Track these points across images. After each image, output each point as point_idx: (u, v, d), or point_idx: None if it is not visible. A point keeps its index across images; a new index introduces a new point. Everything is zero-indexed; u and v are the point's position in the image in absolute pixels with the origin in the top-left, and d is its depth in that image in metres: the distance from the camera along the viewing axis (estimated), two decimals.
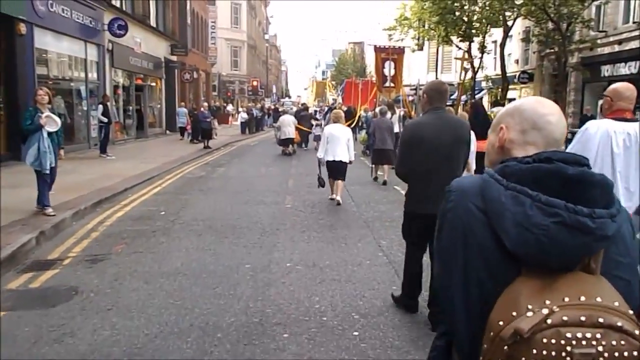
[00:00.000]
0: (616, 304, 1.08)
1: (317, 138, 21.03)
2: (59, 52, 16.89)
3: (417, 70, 45.21)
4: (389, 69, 22.36)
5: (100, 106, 16.07)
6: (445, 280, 1.28)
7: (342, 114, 10.70)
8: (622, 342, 1.04)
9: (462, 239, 1.23)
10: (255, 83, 52.56)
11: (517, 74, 30.53)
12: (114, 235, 7.09)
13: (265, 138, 29.20)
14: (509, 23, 25.32)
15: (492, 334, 1.10)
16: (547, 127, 1.32)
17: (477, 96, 32.49)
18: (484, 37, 27.95)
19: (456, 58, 31.42)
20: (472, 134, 4.74)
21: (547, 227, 1.10)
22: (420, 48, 43.71)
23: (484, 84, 32.06)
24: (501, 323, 1.09)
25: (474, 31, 27.35)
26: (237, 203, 9.29)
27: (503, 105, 26.32)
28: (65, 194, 8.93)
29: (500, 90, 26.57)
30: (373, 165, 12.52)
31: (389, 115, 13.56)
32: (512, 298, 1.11)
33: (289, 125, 18.64)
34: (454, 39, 28.96)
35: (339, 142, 9.29)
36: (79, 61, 18.02)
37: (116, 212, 8.58)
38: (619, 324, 1.05)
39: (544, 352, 1.03)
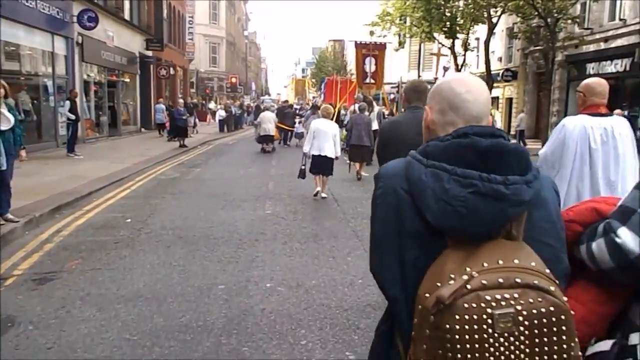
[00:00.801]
0: (533, 264, 1.14)
1: (299, 135, 20.67)
2: (23, 45, 15.83)
3: (398, 68, 44.90)
4: (369, 65, 22.15)
5: (68, 102, 15.05)
6: (380, 264, 1.31)
7: (332, 110, 10.91)
8: (539, 299, 1.09)
9: (395, 222, 1.27)
10: (234, 80, 51.53)
11: (501, 71, 30.18)
12: (70, 247, 6.24)
13: (244, 136, 28.35)
14: (494, 20, 24.79)
15: (420, 307, 1.15)
16: (464, 105, 1.33)
17: None
18: (467, 34, 27.49)
19: (432, 54, 30.85)
20: None
21: (464, 198, 1.15)
22: (402, 46, 43.41)
23: None
24: (427, 295, 1.13)
25: (457, 28, 26.84)
26: (212, 209, 8.48)
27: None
28: (21, 199, 8.00)
29: None
30: (350, 162, 12.47)
31: (367, 112, 13.54)
32: (436, 270, 1.16)
33: (269, 122, 18.46)
34: (437, 35, 28.44)
35: (325, 137, 9.41)
36: (45, 55, 16.95)
37: (77, 219, 7.71)
38: (535, 282, 1.10)
39: (466, 317, 1.07)
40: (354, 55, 25.88)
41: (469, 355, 1.08)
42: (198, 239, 6.64)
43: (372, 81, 22.42)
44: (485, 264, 1.12)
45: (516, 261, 1.13)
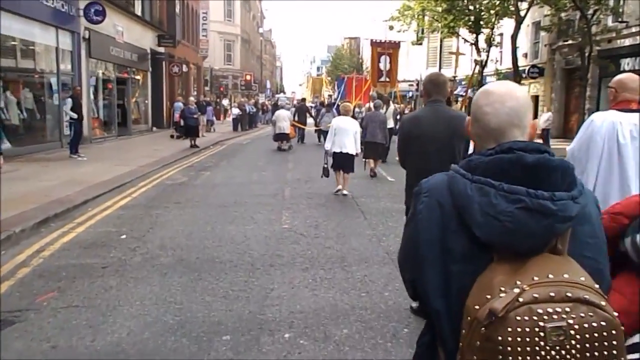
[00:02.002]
0: (582, 279, 1.14)
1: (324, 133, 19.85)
2: (25, 39, 14.92)
3: (416, 65, 43.69)
4: (384, 63, 22.18)
5: (69, 100, 14.06)
6: (422, 277, 1.29)
7: (351, 107, 11.21)
8: (590, 314, 1.09)
9: (439, 235, 1.27)
10: (248, 77, 50.50)
11: (527, 68, 28.66)
12: (48, 273, 5.19)
13: (259, 135, 27.33)
14: (522, 13, 23.40)
15: (469, 318, 1.15)
16: (483, 117, 1.34)
17: (469, 92, 30.99)
18: (492, 29, 26.17)
19: (450, 52, 29.82)
20: None
21: (511, 213, 1.15)
22: (420, 42, 42.20)
23: (490, 80, 30.16)
24: (477, 307, 1.13)
25: (482, 22, 25.53)
26: (220, 222, 7.40)
27: None
28: (7, 209, 7.02)
29: None
30: (365, 160, 12.35)
31: (383, 109, 13.55)
32: (485, 283, 1.16)
33: (284, 120, 18.31)
34: (460, 30, 27.15)
35: (346, 134, 9.49)
36: (49, 50, 16.02)
37: (64, 234, 6.67)
38: (586, 296, 1.10)
39: (519, 329, 1.08)
40: (369, 53, 25.36)
41: None
42: (202, 263, 5.55)
43: (387, 79, 22.36)
44: (536, 278, 1.13)
45: (566, 275, 1.14)
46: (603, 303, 1.11)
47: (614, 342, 1.10)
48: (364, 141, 11.90)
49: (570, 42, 25.86)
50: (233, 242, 6.38)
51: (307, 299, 4.58)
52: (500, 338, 1.09)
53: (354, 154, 9.57)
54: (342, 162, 9.54)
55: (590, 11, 18.76)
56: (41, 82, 15.97)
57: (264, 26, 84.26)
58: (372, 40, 25.13)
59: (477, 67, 24.39)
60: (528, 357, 1.08)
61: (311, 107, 28.01)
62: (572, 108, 27.37)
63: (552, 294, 1.10)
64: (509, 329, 1.08)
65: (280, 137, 18.43)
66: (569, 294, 1.11)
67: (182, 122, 21.76)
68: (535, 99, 30.28)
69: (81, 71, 17.59)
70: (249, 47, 62.87)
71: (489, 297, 1.13)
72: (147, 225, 7.19)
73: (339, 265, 5.51)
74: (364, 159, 12.24)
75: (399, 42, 24.74)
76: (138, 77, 25.01)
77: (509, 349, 1.08)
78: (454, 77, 28.85)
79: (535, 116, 30.23)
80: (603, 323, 1.10)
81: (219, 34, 50.95)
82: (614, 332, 1.10)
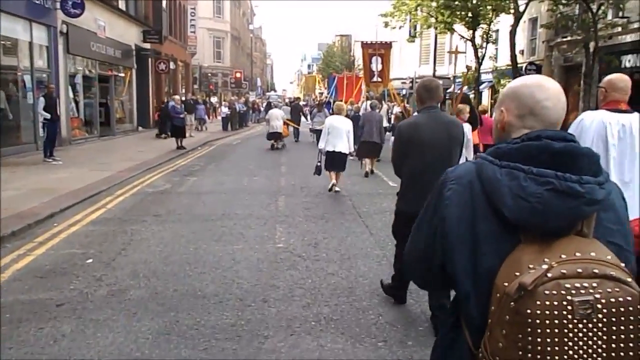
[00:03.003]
0: (609, 257, 1.18)
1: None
2: None
3: (409, 63, 42.95)
4: (376, 64, 22.12)
5: (42, 99, 12.95)
6: (452, 261, 1.33)
7: (344, 107, 11.31)
8: (617, 289, 1.13)
9: (469, 219, 1.31)
10: (238, 75, 49.39)
11: (524, 65, 27.83)
12: None
13: (250, 135, 26.33)
14: (521, 8, 22.55)
15: (498, 295, 1.18)
16: (543, 112, 1.37)
17: (464, 89, 30.27)
18: (489, 25, 25.35)
19: (449, 52, 29.20)
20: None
21: (541, 195, 1.19)
22: (413, 40, 41.44)
23: (485, 77, 29.27)
24: (505, 284, 1.17)
25: (479, 18, 24.68)
26: (205, 240, 6.39)
27: None
28: None
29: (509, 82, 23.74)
30: (361, 160, 12.43)
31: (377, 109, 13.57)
32: (514, 261, 1.20)
33: (277, 119, 18.33)
34: (457, 27, 26.31)
35: (339, 133, 9.47)
36: (22, 45, 14.88)
37: (19, 259, 5.65)
38: (613, 273, 1.14)
39: (547, 303, 1.11)
40: (361, 52, 25.27)
41: (548, 340, 1.12)
42: (180, 298, 4.56)
43: (379, 79, 22.07)
44: (563, 256, 1.17)
45: (593, 254, 1.18)
46: (629, 279, 1.15)
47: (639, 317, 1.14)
48: (361, 141, 11.98)
49: (569, 38, 25.09)
50: (219, 267, 5.39)
51: (310, 352, 3.61)
52: (529, 311, 1.12)
53: (347, 153, 9.60)
54: (335, 161, 9.58)
55: (595, 5, 17.89)
56: (14, 80, 14.83)
57: (254, 23, 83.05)
58: (362, 42, 24.95)
59: (470, 71, 23.40)
60: (556, 330, 1.11)
61: (304, 105, 27.43)
62: (570, 106, 26.56)
63: (579, 270, 1.14)
64: (538, 302, 1.11)
65: (274, 136, 18.41)
66: (596, 271, 1.14)
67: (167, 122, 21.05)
68: None
69: (59, 68, 16.45)
70: (239, 44, 61.71)
71: (517, 274, 1.17)
72: (119, 245, 6.17)
73: (347, 300, 4.54)
74: (358, 159, 12.36)
75: (391, 42, 24.51)
76: (122, 74, 23.86)
77: (538, 321, 1.11)
78: (454, 76, 28.07)
79: None
80: (629, 298, 1.13)
81: (208, 30, 49.82)
82: (639, 306, 1.13)
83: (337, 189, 9.53)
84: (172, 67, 29.91)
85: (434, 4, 25.45)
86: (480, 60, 25.85)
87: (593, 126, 3.56)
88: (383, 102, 18.22)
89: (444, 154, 3.86)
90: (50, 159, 12.95)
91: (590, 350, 1.13)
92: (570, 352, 1.12)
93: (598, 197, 1.21)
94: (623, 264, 1.19)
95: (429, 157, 3.86)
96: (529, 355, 1.13)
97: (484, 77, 28.22)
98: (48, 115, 12.77)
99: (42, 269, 5.31)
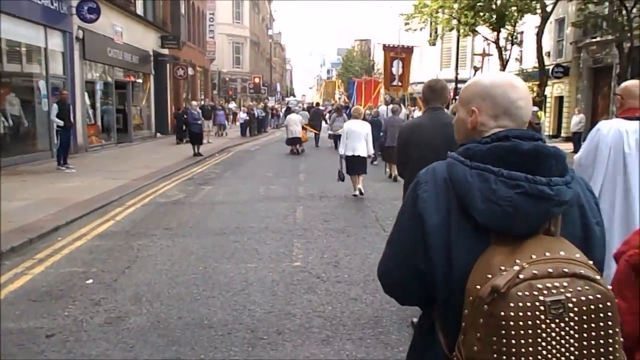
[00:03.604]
0: (577, 255, 1.20)
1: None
2: (9, 40, 13.57)
3: (430, 67, 42.28)
4: (397, 67, 22.04)
5: (55, 106, 12.66)
6: (430, 266, 1.31)
7: (362, 110, 11.49)
8: (587, 287, 1.15)
9: (443, 222, 1.29)
10: (257, 80, 49.05)
11: (550, 67, 26.93)
12: None
13: (268, 141, 25.93)
14: (548, 8, 21.76)
15: (471, 298, 1.18)
16: (518, 112, 1.38)
17: None
18: (514, 26, 24.55)
19: (475, 54, 28.52)
20: None
21: (511, 198, 1.20)
22: (434, 43, 40.81)
23: None
24: (478, 287, 1.17)
25: (504, 19, 23.92)
26: (216, 257, 5.90)
27: (539, 104, 22.88)
28: None
29: (538, 86, 22.96)
30: (386, 164, 12.87)
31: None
32: (485, 263, 1.20)
33: (295, 125, 18.42)
34: (481, 28, 25.57)
35: (358, 137, 9.56)
36: (37, 51, 14.67)
37: (16, 278, 5.21)
38: (582, 271, 1.16)
39: (520, 304, 1.12)
40: (381, 56, 25.46)
41: (522, 341, 1.12)
42: (184, 328, 4.05)
43: (399, 83, 21.90)
44: (534, 256, 1.18)
45: (562, 253, 1.19)
46: (598, 277, 1.17)
47: (609, 313, 1.15)
48: (385, 145, 12.33)
49: (599, 39, 24.20)
50: (230, 289, 4.88)
51: None
52: (502, 313, 1.12)
53: (366, 156, 9.73)
54: (356, 165, 9.65)
55: (630, 2, 17.08)
56: (29, 87, 14.63)
57: (274, 29, 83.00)
58: (384, 45, 24.68)
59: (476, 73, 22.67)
60: (530, 331, 1.12)
61: (323, 110, 27.15)
62: (600, 110, 25.60)
63: (550, 270, 1.15)
64: (511, 304, 1.12)
65: (293, 141, 18.51)
66: (566, 270, 1.16)
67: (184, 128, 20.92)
68: (560, 100, 28.58)
69: (74, 74, 16.23)
70: (258, 50, 61.61)
71: (489, 276, 1.16)
72: (124, 262, 5.71)
73: (373, 333, 3.98)
74: (380, 162, 12.98)
75: (412, 47, 24.39)
76: (140, 80, 23.67)
77: (512, 323, 1.12)
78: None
79: (560, 117, 28.52)
80: (598, 295, 1.15)
81: (228, 36, 49.72)
82: (608, 303, 1.15)
83: (359, 190, 9.59)
84: (190, 73, 29.71)
85: (456, 5, 24.84)
86: (505, 63, 25.08)
87: (610, 135, 3.47)
88: (402, 106, 17.96)
89: (442, 153, 3.51)
90: (64, 167, 12.64)
91: (563, 349, 1.15)
92: (544, 351, 1.13)
93: (566, 197, 1.24)
94: (591, 261, 1.22)
95: (428, 157, 3.57)
96: (504, 357, 1.14)
97: None
98: (61, 122, 12.48)
99: (37, 291, 4.86)
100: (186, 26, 30.05)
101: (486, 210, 1.21)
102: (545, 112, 26.56)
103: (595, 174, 3.50)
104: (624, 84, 3.65)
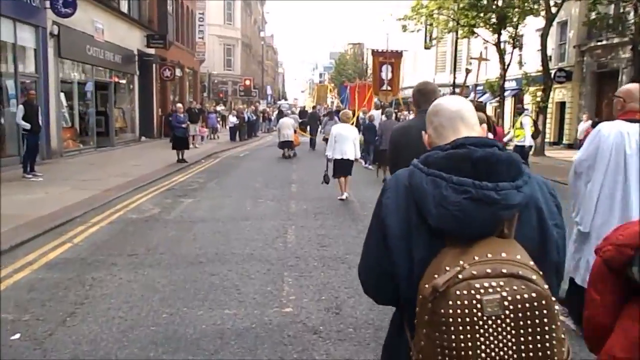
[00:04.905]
0: (518, 257, 1.25)
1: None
2: None
3: (424, 71, 41.49)
4: (386, 72, 22.35)
5: (21, 107, 11.41)
6: (394, 269, 1.40)
7: (351, 114, 12.25)
8: (523, 287, 1.20)
9: (404, 226, 1.38)
10: (247, 82, 47.81)
11: (553, 72, 25.94)
12: None
13: (259, 146, 24.75)
14: (554, 9, 20.75)
15: (420, 297, 1.27)
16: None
17: (481, 99, 28.64)
18: (516, 28, 23.53)
19: (472, 58, 27.62)
20: None
21: (459, 203, 1.27)
22: (429, 47, 39.97)
23: (508, 85, 27.14)
24: (426, 286, 1.25)
25: (505, 21, 22.89)
26: (185, 299, 4.69)
27: (543, 110, 21.85)
28: None
29: (543, 90, 21.93)
30: (379, 168, 13.47)
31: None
32: (435, 264, 1.29)
33: (287, 128, 18.53)
34: (480, 31, 24.54)
35: (346, 141, 9.86)
36: (4, 47, 13.38)
37: None
38: (520, 272, 1.21)
39: (458, 302, 1.19)
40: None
41: (462, 337, 1.18)
42: None
43: (389, 88, 22.44)
44: (476, 257, 1.24)
45: (503, 254, 1.25)
46: (534, 277, 1.22)
47: (545, 311, 1.20)
48: (380, 149, 12.94)
49: (604, 42, 23.27)
50: (198, 351, 3.68)
51: None
52: (442, 311, 1.19)
53: (353, 159, 10.00)
54: (342, 168, 9.91)
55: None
56: None
57: (266, 31, 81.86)
58: (373, 50, 25.24)
59: (468, 75, 21.49)
60: (468, 327, 1.18)
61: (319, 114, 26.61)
62: (605, 116, 24.59)
63: (488, 271, 1.21)
64: (450, 302, 1.19)
65: (285, 144, 18.68)
66: (504, 270, 1.21)
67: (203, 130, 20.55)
68: (562, 105, 27.62)
69: (48, 73, 14.95)
70: (249, 52, 60.42)
71: (436, 276, 1.23)
72: (67, 306, 4.50)
73: None
74: (378, 167, 13.57)
75: (402, 51, 24.72)
76: (123, 81, 22.40)
77: (451, 320, 1.19)
78: (476, 85, 26.25)
79: (562, 123, 27.52)
80: (534, 294, 1.20)
81: (219, 37, 48.61)
82: (544, 302, 1.21)
83: (346, 195, 9.78)
84: (178, 74, 28.48)
85: (454, 6, 23.84)
86: (505, 67, 24.07)
87: (611, 137, 3.52)
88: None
89: None
90: (30, 175, 11.40)
91: (501, 345, 1.19)
92: (483, 346, 1.18)
93: (514, 201, 1.28)
94: (538, 262, 1.27)
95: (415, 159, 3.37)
96: (446, 351, 1.19)
97: (507, 84, 26.32)
98: (28, 126, 11.23)
99: None
100: (174, 25, 28.81)
101: (438, 215, 1.29)
102: (546, 118, 25.60)
103: (595, 175, 3.58)
104: (625, 87, 3.73)
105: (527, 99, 25.02)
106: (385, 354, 1.59)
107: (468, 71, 14.49)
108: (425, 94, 3.81)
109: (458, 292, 1.18)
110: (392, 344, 1.55)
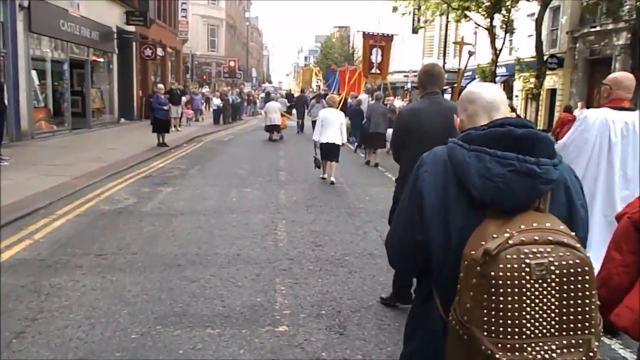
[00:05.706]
0: (562, 227, 1.32)
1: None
2: None
3: (411, 56, 40.88)
4: (376, 55, 22.11)
5: None
6: (429, 238, 1.47)
7: (337, 99, 12.16)
8: (568, 254, 1.27)
9: (443, 199, 1.45)
10: (232, 64, 46.60)
11: (545, 58, 25.39)
12: None
13: (244, 130, 23.87)
14: None
15: (466, 262, 1.32)
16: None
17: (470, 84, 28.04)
18: (509, 12, 22.91)
19: (455, 42, 27.00)
20: None
21: (504, 175, 1.34)
22: (416, 30, 39.34)
23: (499, 71, 26.54)
24: (473, 252, 1.30)
25: (499, 5, 22.21)
26: (158, 315, 3.94)
27: (536, 97, 21.27)
28: None
29: (536, 77, 21.37)
30: (366, 149, 13.42)
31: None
32: (480, 233, 1.34)
33: (274, 112, 18.42)
34: (472, 14, 23.85)
35: (332, 125, 9.91)
36: None
37: None
38: (565, 240, 1.28)
39: (508, 266, 1.24)
40: (361, 43, 25.29)
41: (509, 298, 1.24)
42: None
43: (378, 71, 22.20)
44: (522, 226, 1.30)
45: (548, 224, 1.31)
46: (578, 245, 1.28)
47: (587, 277, 1.27)
48: (368, 132, 12.80)
49: (598, 28, 22.72)
50: None
51: None
52: (492, 274, 1.24)
53: (340, 144, 9.98)
54: (329, 152, 9.95)
55: None
56: None
57: (251, 12, 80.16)
58: (364, 32, 24.58)
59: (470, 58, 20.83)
60: (516, 289, 1.24)
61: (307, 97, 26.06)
62: (595, 103, 24.17)
63: (536, 238, 1.28)
64: (500, 266, 1.24)
65: (272, 128, 18.60)
66: (550, 238, 1.28)
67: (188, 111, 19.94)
68: (552, 92, 27.12)
69: (17, 48, 13.89)
70: (234, 33, 58.99)
71: (483, 243, 1.29)
72: (16, 324, 3.72)
73: None
74: (365, 149, 13.52)
75: (392, 35, 24.16)
76: (101, 59, 21.28)
77: (500, 282, 1.24)
78: (459, 69, 25.64)
79: (552, 110, 27.06)
80: (578, 261, 1.26)
81: (202, 17, 47.27)
82: (586, 268, 1.27)
83: (332, 179, 9.79)
84: (160, 54, 27.27)
85: None
86: (497, 52, 23.42)
87: (597, 124, 3.60)
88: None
89: (439, 139, 3.57)
90: None
91: (545, 307, 1.25)
92: (528, 308, 1.24)
93: (553, 176, 1.37)
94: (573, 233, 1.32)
95: (427, 143, 3.54)
96: (493, 312, 1.25)
97: (498, 70, 25.69)
98: None
99: None
100: (155, 3, 27.56)
101: (481, 186, 1.36)
102: (538, 105, 25.09)
103: (579, 160, 3.62)
104: (612, 75, 3.77)
105: (518, 85, 24.47)
106: (413, 322, 1.67)
107: (471, 53, 13.75)
108: (432, 76, 3.85)
109: (508, 256, 1.24)
110: (418, 312, 1.63)
